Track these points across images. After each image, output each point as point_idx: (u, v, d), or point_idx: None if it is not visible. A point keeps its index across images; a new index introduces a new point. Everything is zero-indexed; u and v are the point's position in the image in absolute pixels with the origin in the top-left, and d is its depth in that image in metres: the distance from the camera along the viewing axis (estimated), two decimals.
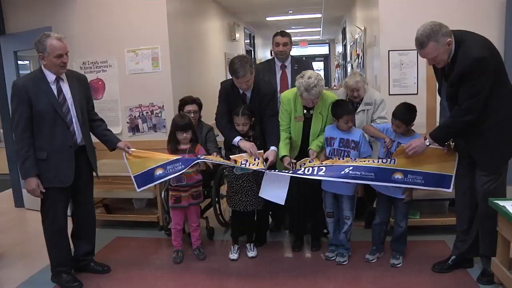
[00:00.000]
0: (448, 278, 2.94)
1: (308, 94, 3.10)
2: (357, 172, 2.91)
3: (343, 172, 2.92)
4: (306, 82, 3.08)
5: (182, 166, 3.13)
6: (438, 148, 2.89)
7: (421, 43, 2.62)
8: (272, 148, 3.23)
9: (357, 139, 3.12)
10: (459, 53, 2.59)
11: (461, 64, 2.56)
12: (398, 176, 2.92)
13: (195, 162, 3.17)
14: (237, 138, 3.29)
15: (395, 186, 3.01)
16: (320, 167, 3.01)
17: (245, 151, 3.23)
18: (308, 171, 3.02)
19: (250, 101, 3.40)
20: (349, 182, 3.01)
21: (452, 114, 2.71)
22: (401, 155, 2.94)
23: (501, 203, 2.53)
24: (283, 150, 3.22)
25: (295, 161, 3.19)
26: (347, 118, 3.11)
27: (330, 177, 2.96)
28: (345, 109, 3.13)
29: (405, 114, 3.00)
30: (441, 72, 2.83)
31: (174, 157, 3.20)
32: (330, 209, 3.30)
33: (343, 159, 3.11)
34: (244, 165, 3.15)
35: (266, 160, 3.15)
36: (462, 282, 2.88)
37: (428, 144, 2.83)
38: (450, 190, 2.93)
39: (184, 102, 3.83)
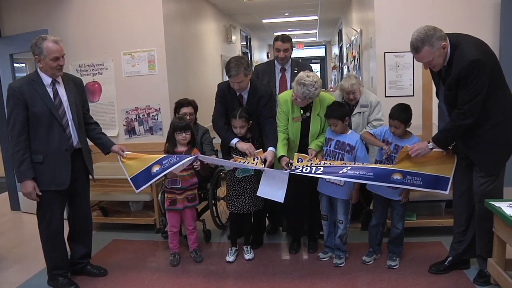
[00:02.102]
0: (444, 280, 2.95)
1: (296, 86, 3.11)
2: (356, 172, 2.92)
3: (341, 172, 2.94)
4: (302, 77, 3.09)
5: (177, 158, 3.13)
6: (438, 150, 2.90)
7: (416, 48, 2.62)
8: (270, 149, 3.23)
9: (353, 143, 3.13)
10: (455, 56, 2.59)
11: (457, 67, 2.57)
12: (397, 176, 2.92)
13: (191, 158, 3.14)
14: (235, 140, 3.29)
15: (393, 187, 3.02)
16: (318, 167, 3.02)
17: (243, 153, 3.24)
18: (306, 170, 3.03)
19: (247, 103, 3.40)
20: (347, 181, 3.02)
21: (452, 118, 2.70)
22: (403, 157, 2.94)
23: (497, 204, 2.54)
24: (281, 150, 3.22)
25: (292, 161, 3.19)
26: (333, 121, 3.14)
27: (329, 175, 2.98)
28: (332, 112, 3.15)
29: (402, 113, 3.01)
30: (438, 75, 2.83)
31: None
32: (325, 212, 3.32)
33: (338, 161, 3.12)
34: (243, 164, 3.16)
35: (264, 161, 3.15)
36: (459, 283, 2.89)
37: (431, 147, 2.83)
38: (447, 192, 2.94)
39: (179, 104, 3.83)
